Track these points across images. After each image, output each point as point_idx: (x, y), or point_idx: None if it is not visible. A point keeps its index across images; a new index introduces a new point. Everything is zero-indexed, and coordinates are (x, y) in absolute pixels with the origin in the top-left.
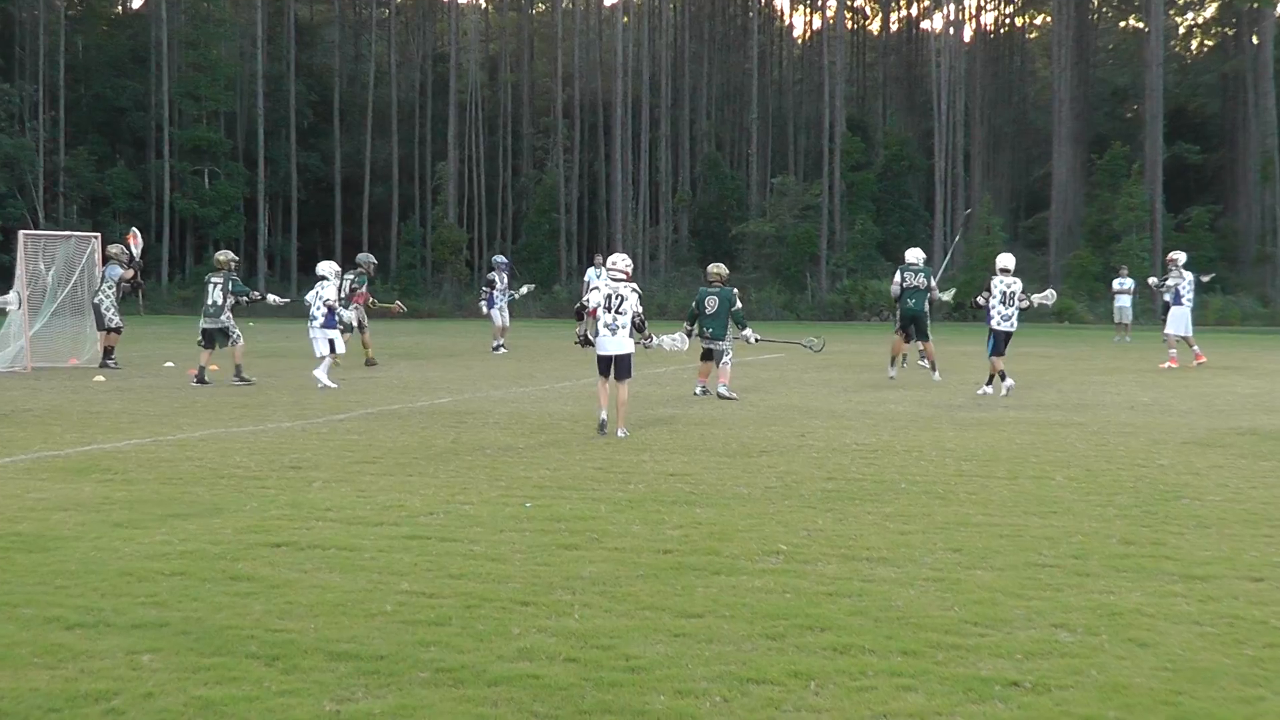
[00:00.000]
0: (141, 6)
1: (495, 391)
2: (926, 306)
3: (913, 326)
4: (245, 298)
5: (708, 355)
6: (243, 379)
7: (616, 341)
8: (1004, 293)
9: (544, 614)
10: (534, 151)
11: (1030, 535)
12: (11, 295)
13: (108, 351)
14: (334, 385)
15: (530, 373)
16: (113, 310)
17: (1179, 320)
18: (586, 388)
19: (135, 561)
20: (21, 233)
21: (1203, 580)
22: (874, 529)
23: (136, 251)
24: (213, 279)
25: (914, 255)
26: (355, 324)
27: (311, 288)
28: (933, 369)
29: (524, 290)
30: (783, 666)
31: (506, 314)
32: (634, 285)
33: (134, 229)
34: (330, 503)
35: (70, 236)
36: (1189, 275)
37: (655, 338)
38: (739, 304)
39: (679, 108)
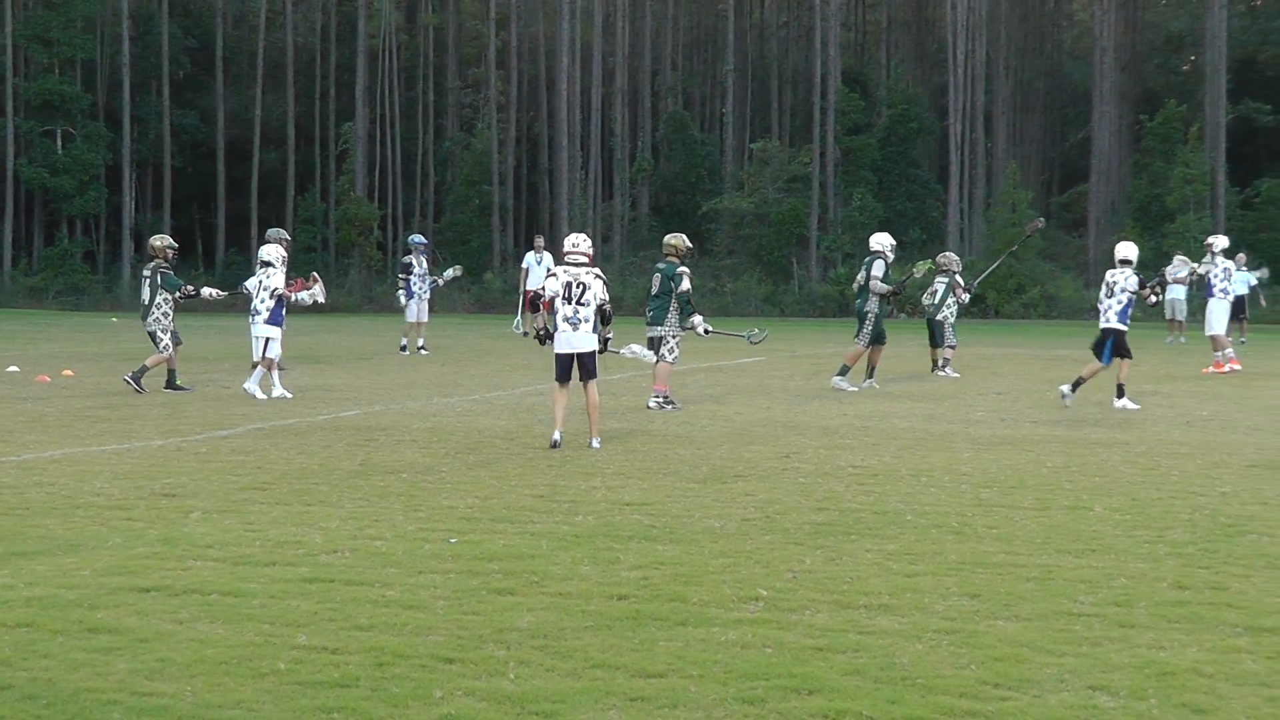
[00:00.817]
0: None
1: (413, 403)
2: (874, 304)
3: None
4: (178, 293)
5: (651, 345)
6: (140, 385)
7: (579, 337)
8: (1108, 284)
9: (472, 673)
10: (461, 110)
11: (1064, 578)
12: None
13: None
14: (263, 396)
15: (455, 379)
16: None
17: (1219, 315)
18: (524, 398)
19: None
20: None
21: (1272, 633)
22: (874, 570)
23: None
24: (144, 271)
25: (879, 241)
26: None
27: (252, 276)
28: (869, 374)
29: (449, 274)
30: None
31: (425, 306)
32: (597, 271)
33: None
34: (211, 538)
35: None
36: (1226, 264)
37: (622, 347)
38: (686, 284)
39: (638, 56)
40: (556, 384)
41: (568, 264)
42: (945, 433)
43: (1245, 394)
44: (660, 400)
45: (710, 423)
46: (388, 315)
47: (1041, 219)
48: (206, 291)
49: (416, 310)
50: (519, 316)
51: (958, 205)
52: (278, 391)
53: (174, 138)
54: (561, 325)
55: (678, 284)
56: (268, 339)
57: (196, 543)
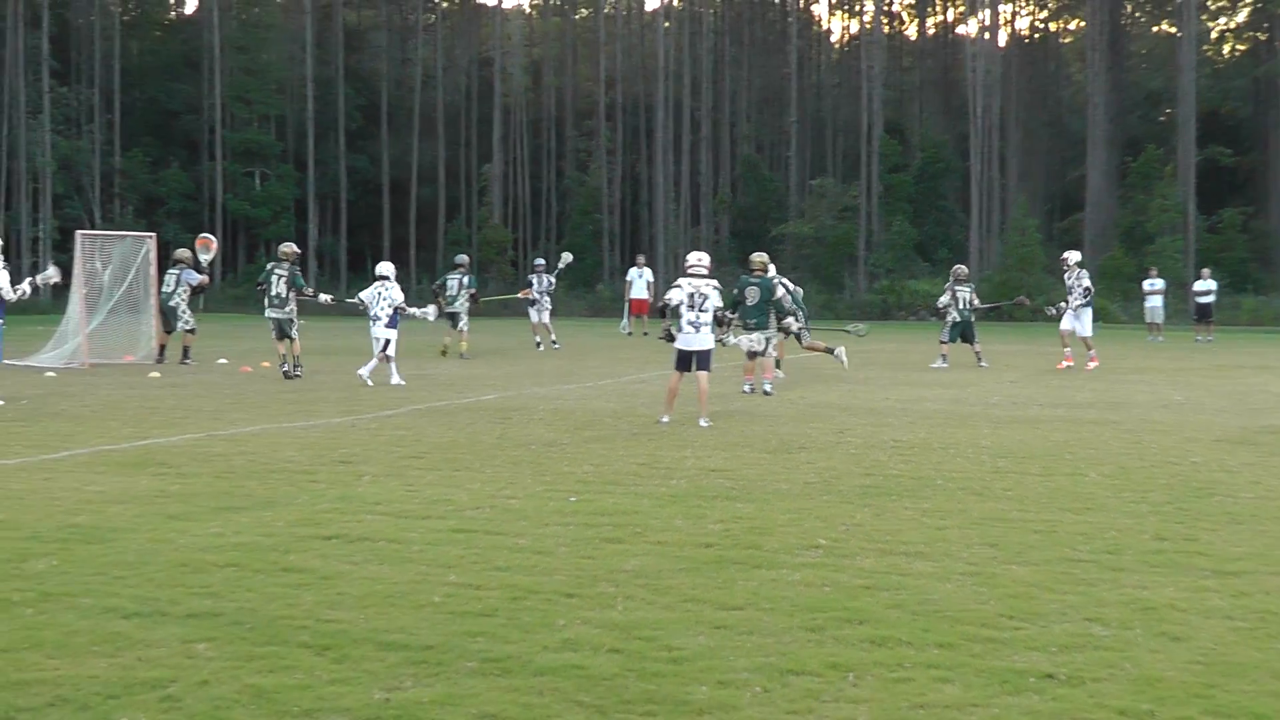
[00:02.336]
0: (194, 12)
1: (540, 388)
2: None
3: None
4: (302, 292)
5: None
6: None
7: (699, 338)
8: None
9: (588, 606)
10: (577, 154)
11: (1065, 531)
12: (51, 270)
13: (185, 351)
14: (371, 383)
15: (574, 370)
16: (187, 314)
17: (1087, 321)
18: (629, 385)
19: (190, 553)
20: (79, 233)
21: (1235, 575)
22: (911, 524)
23: (205, 258)
24: (277, 270)
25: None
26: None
27: (369, 287)
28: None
29: (565, 259)
30: (821, 658)
31: (546, 311)
32: (715, 283)
33: (209, 235)
34: (379, 497)
35: (126, 236)
36: (1081, 273)
37: (733, 336)
38: (781, 294)
39: (719, 111)
40: (675, 372)
41: (691, 276)
42: (969, 414)
43: (1213, 382)
44: (768, 387)
45: (779, 405)
46: (520, 319)
47: (1025, 298)
48: (322, 296)
49: (537, 315)
50: (625, 320)
51: (978, 230)
52: (395, 380)
53: (348, 176)
54: (685, 328)
55: (773, 294)
56: (387, 339)
57: (367, 500)
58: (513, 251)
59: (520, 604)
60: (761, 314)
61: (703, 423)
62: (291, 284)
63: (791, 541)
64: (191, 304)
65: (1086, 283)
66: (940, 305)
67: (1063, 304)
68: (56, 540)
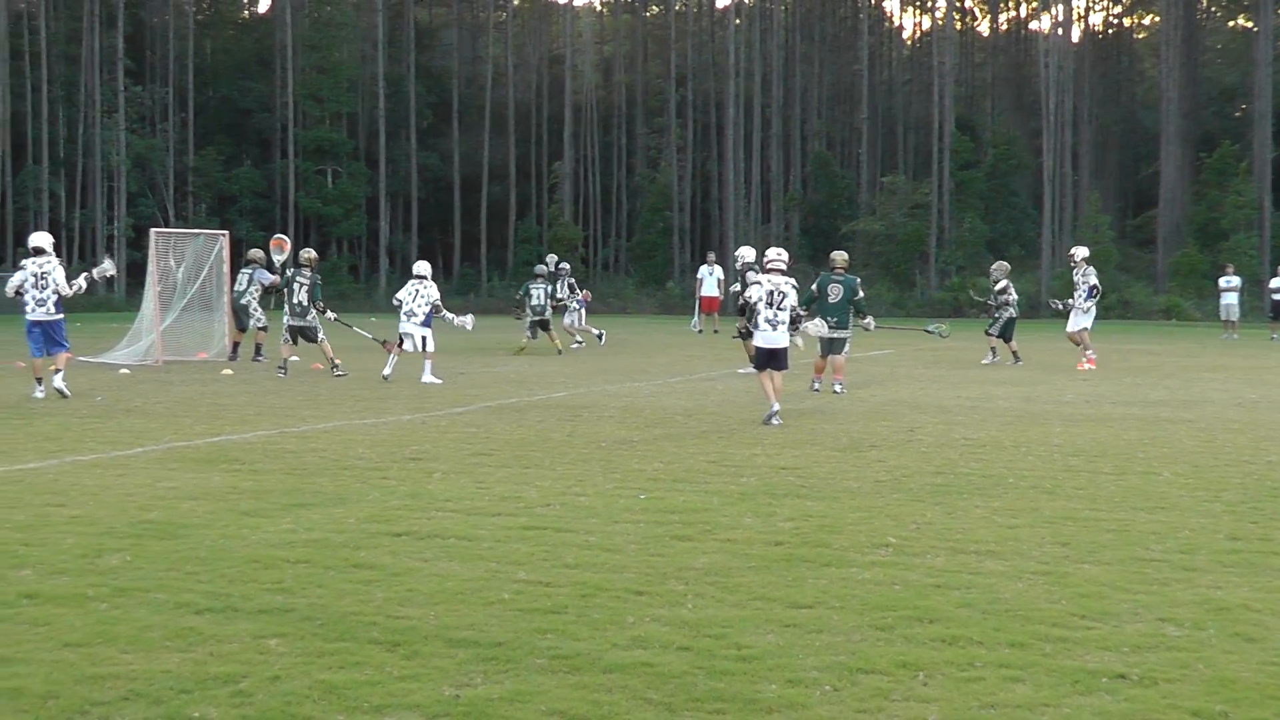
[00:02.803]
0: (266, 11)
1: (610, 386)
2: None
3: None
4: (315, 305)
5: (827, 345)
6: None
7: (777, 336)
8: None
9: (658, 603)
10: (648, 151)
11: (1137, 530)
12: (107, 263)
13: (258, 348)
14: (439, 380)
15: (643, 368)
16: (258, 312)
17: (1086, 319)
18: (699, 383)
19: (262, 549)
20: (153, 230)
21: None
22: (982, 522)
23: (279, 259)
24: (298, 277)
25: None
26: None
27: (405, 285)
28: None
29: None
30: (891, 657)
31: (581, 314)
32: (792, 281)
33: (283, 236)
34: (449, 494)
35: (199, 234)
36: (1089, 270)
37: (805, 328)
38: (861, 293)
39: (790, 107)
40: (758, 372)
41: (770, 272)
42: (1040, 412)
43: None
44: (839, 387)
45: (849, 403)
46: (590, 316)
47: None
48: (330, 315)
49: (569, 318)
50: (695, 317)
51: (1050, 227)
52: (428, 378)
53: (419, 174)
54: (763, 325)
55: (856, 292)
56: (424, 337)
57: (437, 497)
58: (583, 249)
59: (590, 601)
60: (843, 312)
61: (775, 408)
62: (312, 294)
63: (861, 539)
64: (263, 302)
65: (1093, 280)
66: (1008, 300)
67: (1070, 300)
68: (130, 536)
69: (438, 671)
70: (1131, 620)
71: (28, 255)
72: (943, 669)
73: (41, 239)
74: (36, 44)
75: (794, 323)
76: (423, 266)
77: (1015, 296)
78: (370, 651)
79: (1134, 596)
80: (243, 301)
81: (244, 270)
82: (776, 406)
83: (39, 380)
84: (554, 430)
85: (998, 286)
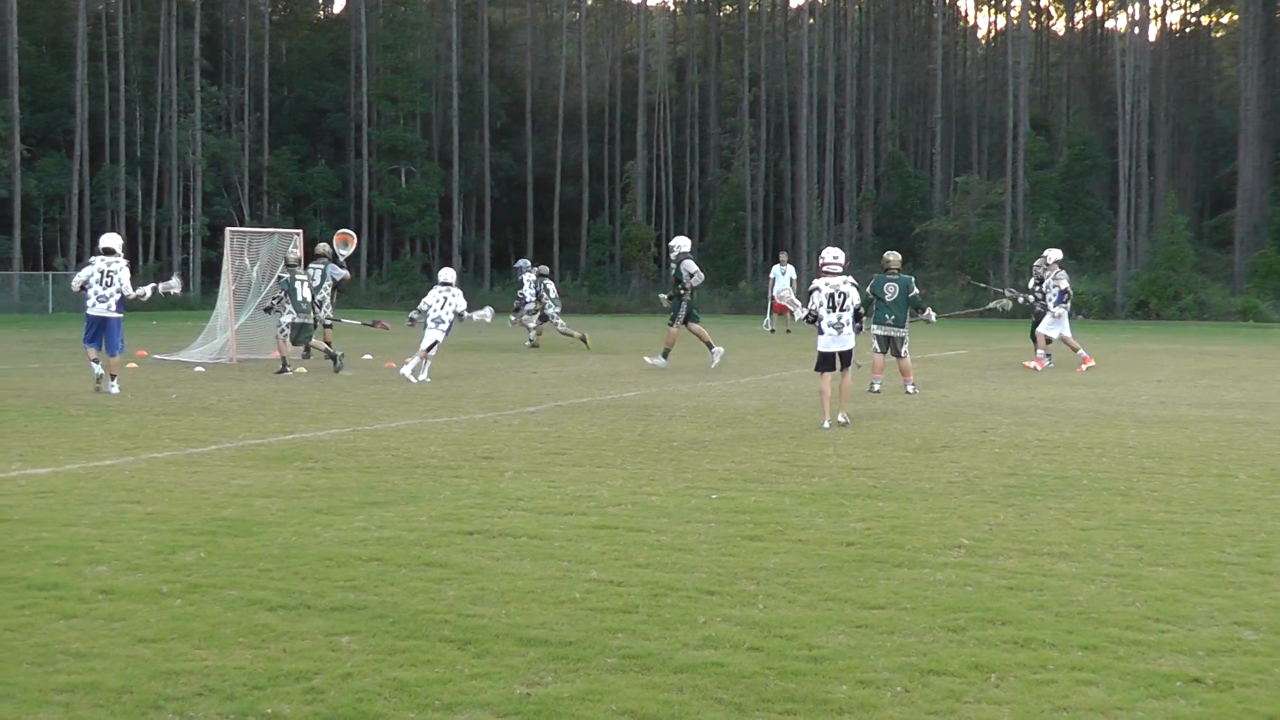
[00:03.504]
0: (341, 11)
1: (681, 385)
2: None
3: None
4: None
5: (885, 344)
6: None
7: (842, 339)
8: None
9: (729, 603)
10: (721, 151)
11: (1213, 533)
12: (174, 280)
13: (330, 346)
14: (415, 380)
15: (716, 367)
16: (329, 309)
17: (1058, 323)
18: (771, 383)
19: (334, 547)
20: (228, 229)
21: None
22: (1056, 524)
23: (344, 253)
24: (305, 270)
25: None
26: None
27: (431, 292)
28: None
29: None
30: (963, 659)
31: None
32: (852, 280)
33: (349, 231)
34: (521, 492)
35: (274, 233)
36: (1059, 274)
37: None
38: (916, 290)
39: (863, 107)
40: (821, 374)
41: (827, 274)
42: (1114, 413)
43: None
44: (911, 388)
45: (922, 404)
46: (662, 315)
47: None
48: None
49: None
50: (767, 317)
51: (1125, 227)
52: (422, 377)
53: (492, 174)
54: (827, 330)
55: (911, 290)
56: (435, 341)
57: (509, 496)
58: (655, 249)
59: (661, 601)
60: (900, 310)
61: (841, 419)
62: (324, 284)
63: (934, 541)
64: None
65: (1064, 284)
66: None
67: (1032, 299)
68: (204, 533)
69: (509, 670)
70: (1207, 624)
71: (97, 254)
72: (1015, 671)
73: (112, 240)
74: (115, 45)
75: (857, 318)
76: (447, 274)
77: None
78: (441, 649)
79: (1209, 600)
80: (318, 298)
81: (314, 266)
82: (843, 418)
83: (97, 361)
84: (626, 429)
85: (1036, 282)
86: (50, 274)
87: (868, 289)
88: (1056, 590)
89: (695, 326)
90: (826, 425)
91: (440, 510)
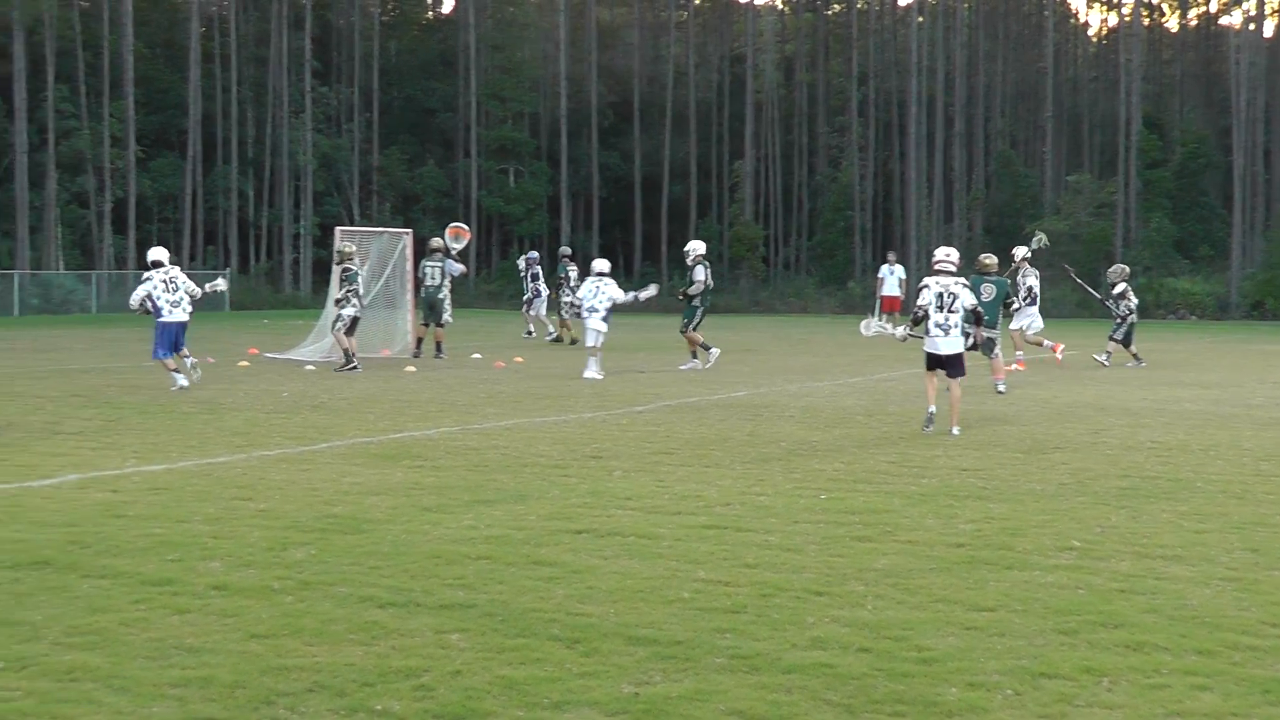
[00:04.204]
0: (450, 11)
1: (790, 386)
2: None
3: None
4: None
5: (973, 346)
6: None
7: (948, 342)
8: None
9: (838, 604)
10: (829, 150)
11: None
12: (220, 280)
13: (439, 346)
14: (600, 376)
15: (824, 367)
16: (449, 308)
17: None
18: (879, 383)
19: (444, 545)
20: (338, 229)
21: None
22: (1169, 527)
23: (457, 247)
24: (426, 262)
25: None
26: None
27: (585, 283)
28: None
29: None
30: (1075, 662)
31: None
32: (963, 280)
33: (462, 224)
34: (630, 492)
35: (383, 233)
36: (1031, 273)
37: (983, 332)
38: (1010, 293)
39: (973, 106)
40: (928, 373)
41: (938, 273)
42: (1229, 415)
43: None
44: (1001, 386)
45: (1032, 405)
46: (770, 315)
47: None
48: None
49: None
50: (875, 316)
51: (1240, 226)
52: (593, 374)
53: (600, 173)
54: (934, 330)
55: (1008, 293)
56: (600, 332)
57: (618, 495)
58: (764, 248)
59: (769, 601)
60: (994, 311)
61: (954, 431)
62: (438, 285)
63: (1045, 543)
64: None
65: (1030, 282)
66: (1128, 305)
67: (1113, 305)
68: (315, 530)
69: (617, 669)
70: None
71: (149, 269)
72: (1127, 675)
73: (161, 253)
74: (227, 46)
75: (977, 321)
76: (602, 264)
77: (1135, 301)
78: (550, 648)
79: None
80: (440, 295)
81: (431, 263)
82: (933, 409)
83: (178, 370)
84: (735, 429)
85: (1116, 290)
86: None
87: None
88: (1170, 594)
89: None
90: (932, 409)
91: (549, 509)
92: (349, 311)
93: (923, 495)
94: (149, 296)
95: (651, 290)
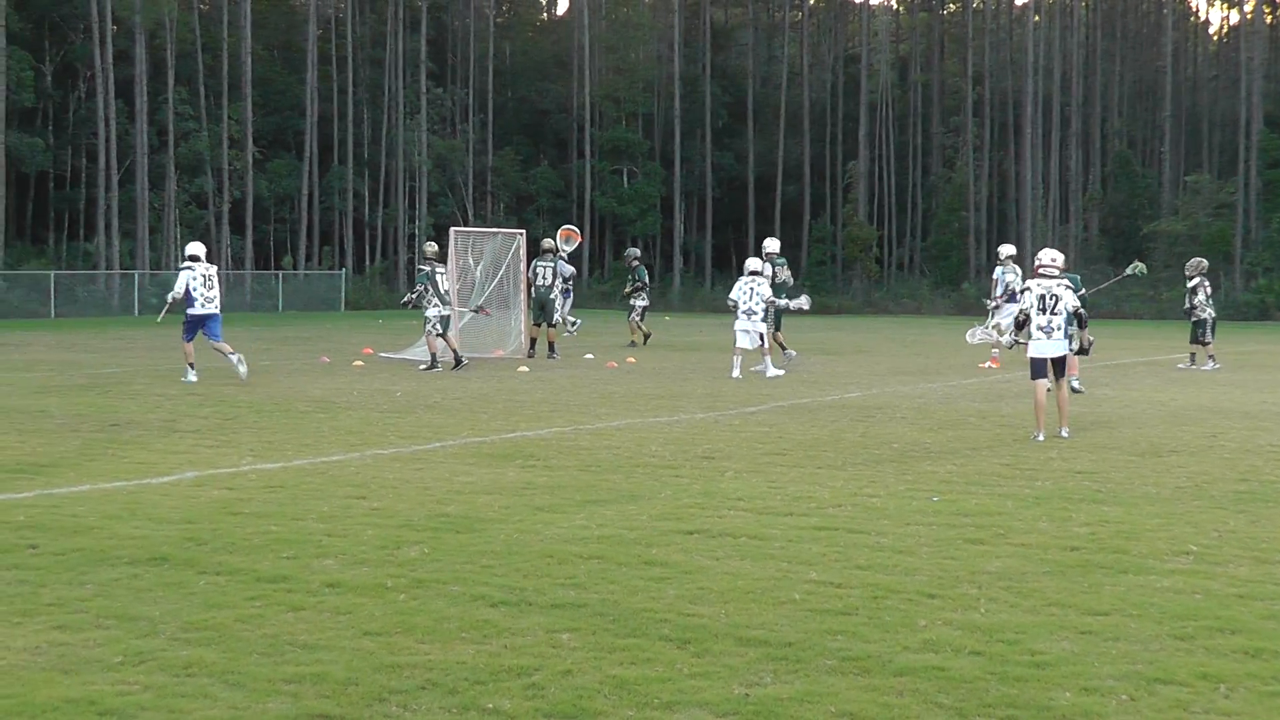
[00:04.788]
0: (565, 13)
1: (902, 387)
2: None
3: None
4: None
5: (1081, 350)
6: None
7: (1052, 344)
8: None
9: (950, 607)
10: (944, 150)
11: None
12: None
13: (551, 346)
14: (781, 372)
15: (937, 369)
16: (565, 309)
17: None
18: (993, 385)
19: (555, 544)
20: (452, 229)
21: None
22: None
23: (567, 249)
24: (539, 262)
25: (775, 245)
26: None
27: (737, 283)
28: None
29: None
30: (1191, 668)
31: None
32: (1066, 282)
33: (574, 227)
34: (741, 492)
35: (497, 233)
36: (1013, 270)
37: (1087, 335)
38: (1083, 289)
39: (1090, 106)
40: (1035, 383)
41: (1041, 276)
42: None
43: None
44: (1075, 383)
45: (1148, 408)
46: (884, 316)
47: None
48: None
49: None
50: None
51: None
52: (760, 368)
53: (714, 174)
54: (1036, 334)
55: (1079, 289)
56: (761, 334)
57: (730, 496)
58: (877, 249)
59: (881, 603)
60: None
61: (1063, 433)
62: (560, 276)
63: (1160, 547)
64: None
65: (1009, 278)
66: (1198, 303)
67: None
68: (428, 529)
69: (728, 670)
70: None
71: (188, 261)
72: (1246, 682)
73: (197, 248)
74: (344, 48)
75: (1081, 325)
76: (756, 263)
77: (1202, 297)
78: (661, 648)
79: None
80: (551, 296)
81: (543, 263)
82: (1065, 433)
83: (192, 365)
84: (847, 431)
85: (1190, 284)
86: (280, 273)
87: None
88: None
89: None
90: (1040, 438)
91: (661, 509)
92: (433, 312)
93: (1036, 498)
94: (189, 288)
95: (804, 301)
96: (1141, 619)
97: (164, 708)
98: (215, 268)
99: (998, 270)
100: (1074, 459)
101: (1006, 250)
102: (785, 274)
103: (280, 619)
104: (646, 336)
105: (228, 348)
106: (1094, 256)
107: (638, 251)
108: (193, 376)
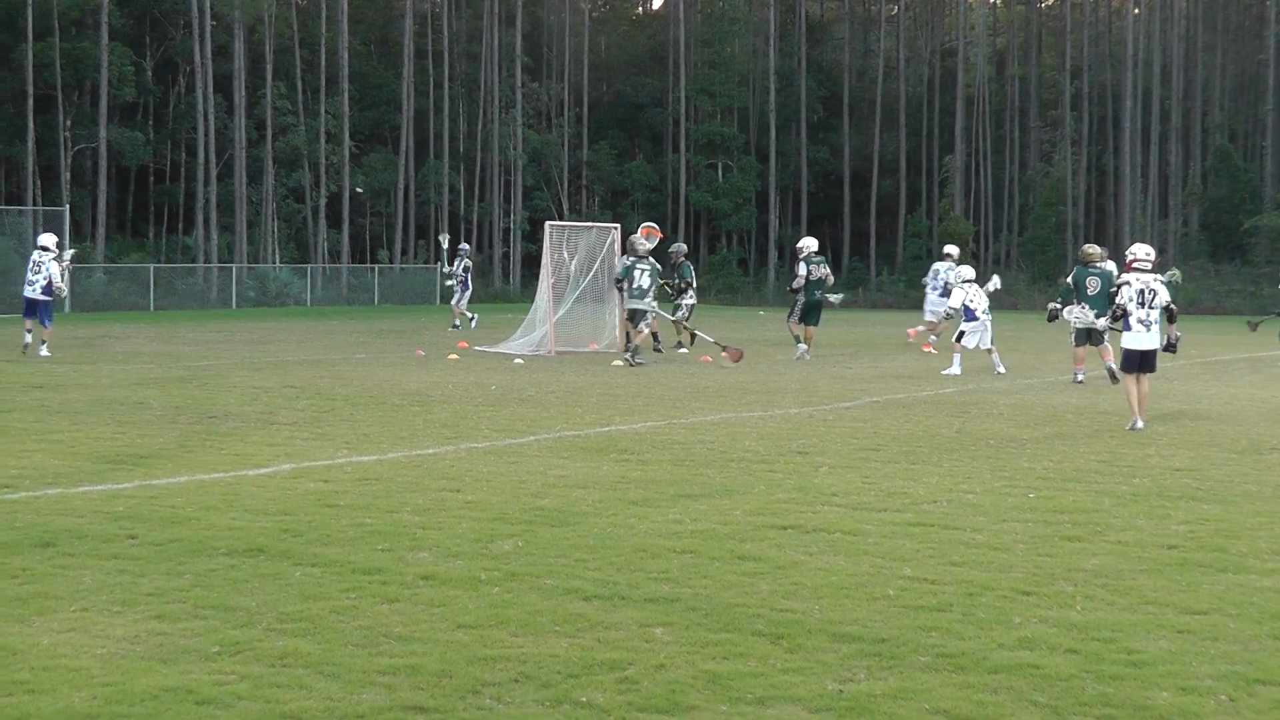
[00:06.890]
0: (661, 7)
1: (999, 383)
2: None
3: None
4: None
5: (1086, 337)
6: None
7: (1150, 337)
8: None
9: (1045, 604)
10: (1041, 145)
11: None
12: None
13: (654, 337)
14: (959, 371)
15: (1034, 365)
16: (688, 307)
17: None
18: (1092, 380)
19: (649, 539)
20: (547, 224)
21: None
22: None
23: (648, 246)
24: (639, 264)
25: (811, 244)
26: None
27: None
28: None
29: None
30: None
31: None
32: (1159, 276)
33: (653, 225)
34: (836, 488)
35: (592, 227)
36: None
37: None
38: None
39: (1190, 99)
40: (1127, 375)
41: (1136, 270)
42: None
43: None
44: (1112, 369)
45: (1249, 404)
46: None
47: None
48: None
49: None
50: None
51: None
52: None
53: (809, 168)
54: (1135, 326)
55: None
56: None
57: (824, 491)
58: (973, 244)
59: (976, 600)
60: (1102, 303)
61: (1139, 425)
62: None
63: (1261, 546)
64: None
65: (947, 276)
66: None
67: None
68: (522, 522)
69: (821, 666)
70: None
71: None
72: None
73: (47, 239)
74: (440, 43)
75: (1171, 319)
76: (951, 257)
77: None
78: (754, 643)
79: None
80: (648, 300)
81: (642, 264)
82: (1140, 424)
83: (30, 331)
84: (942, 426)
85: None
86: (375, 267)
87: (1068, 280)
88: None
89: (797, 324)
90: (1140, 425)
91: (754, 504)
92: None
93: (1134, 495)
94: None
95: (995, 282)
96: (1241, 618)
97: (260, 698)
98: (52, 255)
99: (942, 265)
100: (1172, 456)
101: (951, 250)
102: (822, 271)
103: (375, 611)
104: (693, 338)
105: (44, 335)
106: (1194, 252)
107: (684, 247)
108: (28, 340)
